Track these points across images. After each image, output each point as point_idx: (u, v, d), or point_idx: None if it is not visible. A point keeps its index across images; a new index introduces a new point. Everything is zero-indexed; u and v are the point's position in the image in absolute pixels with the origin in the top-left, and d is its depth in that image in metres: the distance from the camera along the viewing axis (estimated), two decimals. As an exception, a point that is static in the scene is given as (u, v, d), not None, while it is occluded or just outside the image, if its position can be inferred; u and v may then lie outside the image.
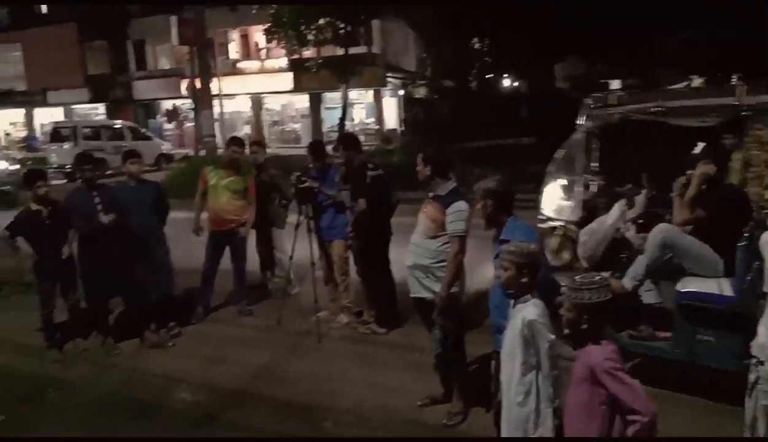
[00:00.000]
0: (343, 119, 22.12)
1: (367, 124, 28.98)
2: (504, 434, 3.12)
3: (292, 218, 6.60)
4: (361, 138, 28.39)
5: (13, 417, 4.75)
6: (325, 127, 28.53)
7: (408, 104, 28.91)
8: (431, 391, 4.57)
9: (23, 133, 33.90)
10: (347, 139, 6.22)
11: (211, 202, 6.41)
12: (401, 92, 28.90)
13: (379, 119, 28.39)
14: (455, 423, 4.28)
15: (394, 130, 28.17)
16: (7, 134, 34.74)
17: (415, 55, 29.16)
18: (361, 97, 29.20)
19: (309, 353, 5.65)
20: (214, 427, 4.48)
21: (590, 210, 5.20)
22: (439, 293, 4.19)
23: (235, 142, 6.60)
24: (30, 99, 33.05)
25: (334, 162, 6.27)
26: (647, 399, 2.48)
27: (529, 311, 2.94)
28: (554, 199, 5.50)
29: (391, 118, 29.14)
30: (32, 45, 31.63)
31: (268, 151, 9.38)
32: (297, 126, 30.48)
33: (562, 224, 5.21)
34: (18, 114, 34.34)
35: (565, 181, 5.44)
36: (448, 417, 4.33)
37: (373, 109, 29.03)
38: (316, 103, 28.86)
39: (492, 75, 32.90)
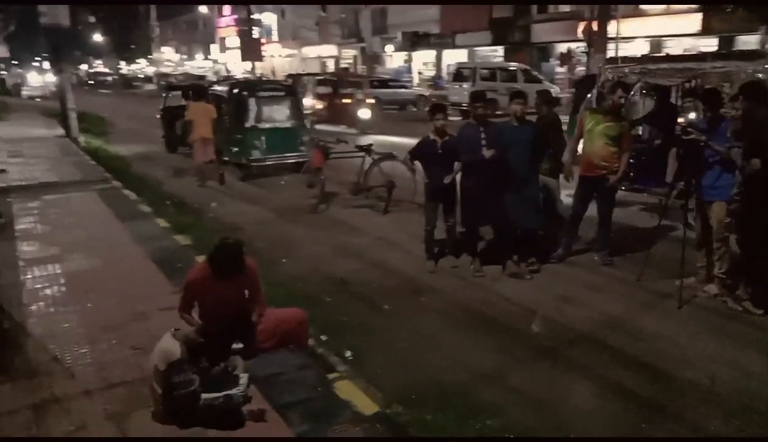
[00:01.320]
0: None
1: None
2: None
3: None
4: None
5: (396, 301, 5.76)
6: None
7: None
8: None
9: (433, 73, 38.32)
10: (750, 89, 5.43)
11: (586, 147, 6.39)
12: None
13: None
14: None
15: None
16: (419, 73, 39.72)
17: None
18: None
19: (665, 316, 5.35)
20: (556, 359, 4.69)
21: None
22: None
23: (621, 86, 6.37)
24: (441, 41, 36.91)
25: (728, 114, 5.58)
26: None
27: None
28: None
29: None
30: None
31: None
32: (699, 73, 27.34)
33: None
34: (430, 55, 38.82)
35: None
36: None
37: (802, 56, 24.07)
38: (726, 47, 25.28)
39: None
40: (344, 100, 20.60)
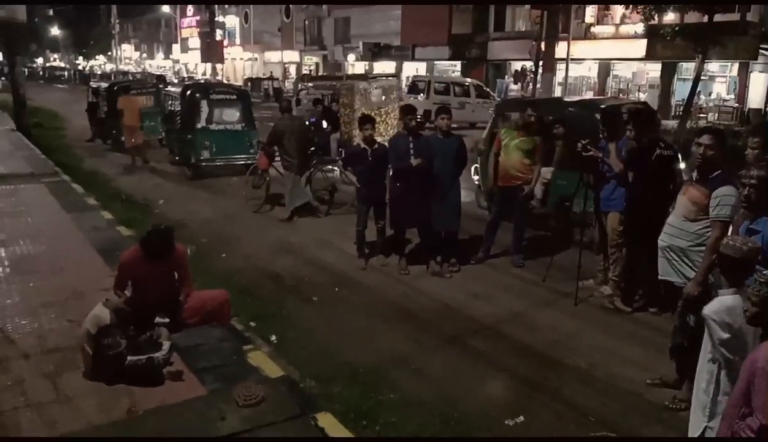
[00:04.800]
0: (692, 93, 20.17)
1: (726, 100, 25.76)
2: (691, 416, 3.19)
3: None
4: (715, 116, 24.87)
5: (325, 295, 6.29)
6: (675, 100, 26.38)
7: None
8: (667, 373, 4.57)
9: (393, 83, 39.05)
10: (640, 115, 6.11)
11: (503, 160, 7.03)
12: (776, 67, 24.79)
13: (742, 97, 24.95)
14: (677, 409, 4.26)
15: (759, 110, 24.46)
16: (381, 84, 40.39)
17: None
18: (724, 70, 26.04)
19: (562, 312, 5.99)
20: (458, 346, 5.26)
21: None
22: (692, 280, 4.15)
23: (529, 105, 7.08)
24: (401, 54, 37.77)
25: (626, 135, 6.25)
26: None
27: (712, 303, 2.92)
28: None
29: (758, 96, 25.31)
30: (410, 5, 35.83)
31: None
32: (643, 96, 28.71)
33: None
34: (390, 66, 39.58)
35: None
36: (672, 401, 4.33)
37: (735, 85, 25.63)
38: (669, 73, 26.73)
39: None
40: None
